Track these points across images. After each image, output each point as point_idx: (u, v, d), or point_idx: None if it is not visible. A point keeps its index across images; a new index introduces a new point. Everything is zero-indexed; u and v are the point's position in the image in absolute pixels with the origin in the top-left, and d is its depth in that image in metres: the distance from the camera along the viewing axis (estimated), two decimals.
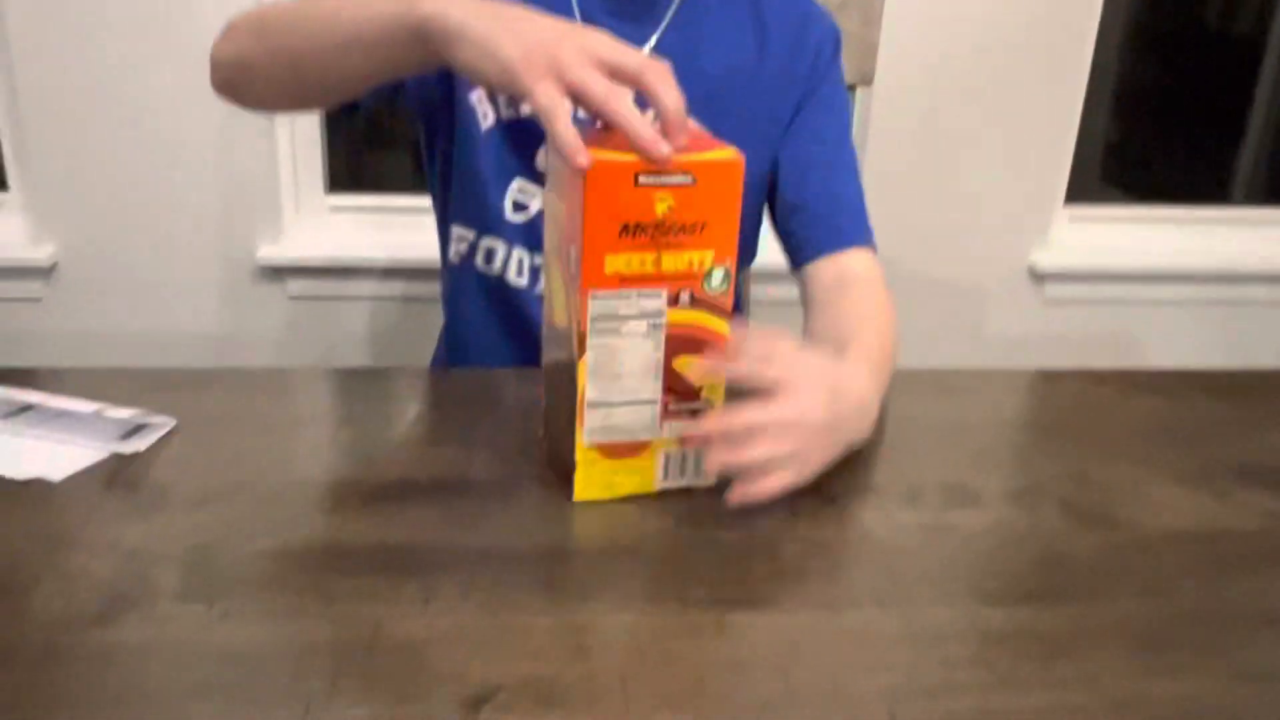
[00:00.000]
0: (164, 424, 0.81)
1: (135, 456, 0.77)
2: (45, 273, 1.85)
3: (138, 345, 1.89)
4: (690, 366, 0.72)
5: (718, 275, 0.70)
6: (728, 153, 0.68)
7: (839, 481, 0.78)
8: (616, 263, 0.68)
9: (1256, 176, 2.35)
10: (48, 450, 0.77)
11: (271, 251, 1.87)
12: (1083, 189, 2.07)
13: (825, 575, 0.68)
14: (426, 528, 0.71)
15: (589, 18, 1.01)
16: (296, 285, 1.90)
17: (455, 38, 0.71)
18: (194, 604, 0.62)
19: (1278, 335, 2.15)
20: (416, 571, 0.66)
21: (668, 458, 0.75)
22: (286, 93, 0.87)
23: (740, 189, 0.69)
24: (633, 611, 0.63)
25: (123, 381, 0.88)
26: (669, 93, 0.67)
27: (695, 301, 0.70)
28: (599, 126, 0.70)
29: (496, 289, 1.06)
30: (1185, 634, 0.64)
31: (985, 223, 1.99)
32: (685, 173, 0.67)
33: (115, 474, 0.75)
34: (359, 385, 0.94)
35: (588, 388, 0.71)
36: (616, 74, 0.68)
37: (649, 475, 0.75)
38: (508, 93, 0.71)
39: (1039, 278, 2.04)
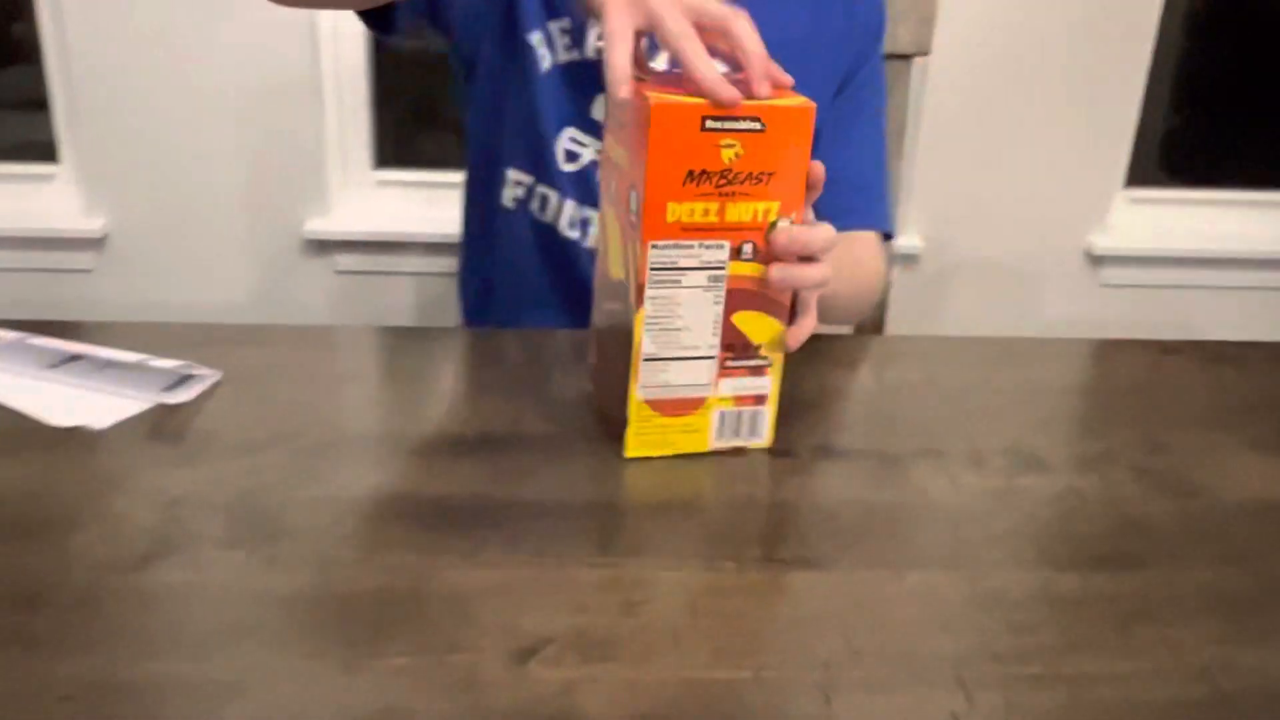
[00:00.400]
0: (210, 376, 0.79)
1: (180, 407, 0.76)
2: (97, 244, 1.86)
3: (186, 317, 1.89)
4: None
5: (783, 227, 0.67)
6: (799, 100, 0.65)
7: (898, 443, 0.76)
8: (679, 211, 0.65)
9: None
10: (92, 399, 0.76)
11: (319, 225, 1.86)
12: (1143, 176, 2.02)
13: (887, 537, 0.65)
14: (473, 482, 0.69)
15: None
16: (344, 260, 1.89)
17: None
18: (237, 550, 0.61)
19: None
20: (463, 525, 0.64)
21: (723, 416, 0.72)
22: None
23: (810, 138, 0.66)
24: (686, 568, 0.61)
25: (169, 335, 0.87)
26: (753, 42, 0.66)
27: (758, 254, 0.67)
28: (672, 74, 0.67)
29: (549, 237, 1.04)
30: (1269, 602, 0.60)
31: (1042, 204, 1.94)
32: (754, 118, 0.64)
33: (160, 423, 0.74)
34: (406, 343, 0.92)
35: (645, 341, 0.68)
36: (701, 20, 0.66)
37: (703, 434, 0.72)
38: (585, 7, 0.70)
39: (1096, 260, 1.99)
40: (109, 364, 0.80)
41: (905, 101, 1.31)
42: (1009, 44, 1.82)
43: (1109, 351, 0.97)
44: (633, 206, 0.66)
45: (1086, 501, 0.70)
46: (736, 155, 0.64)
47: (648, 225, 0.65)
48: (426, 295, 1.94)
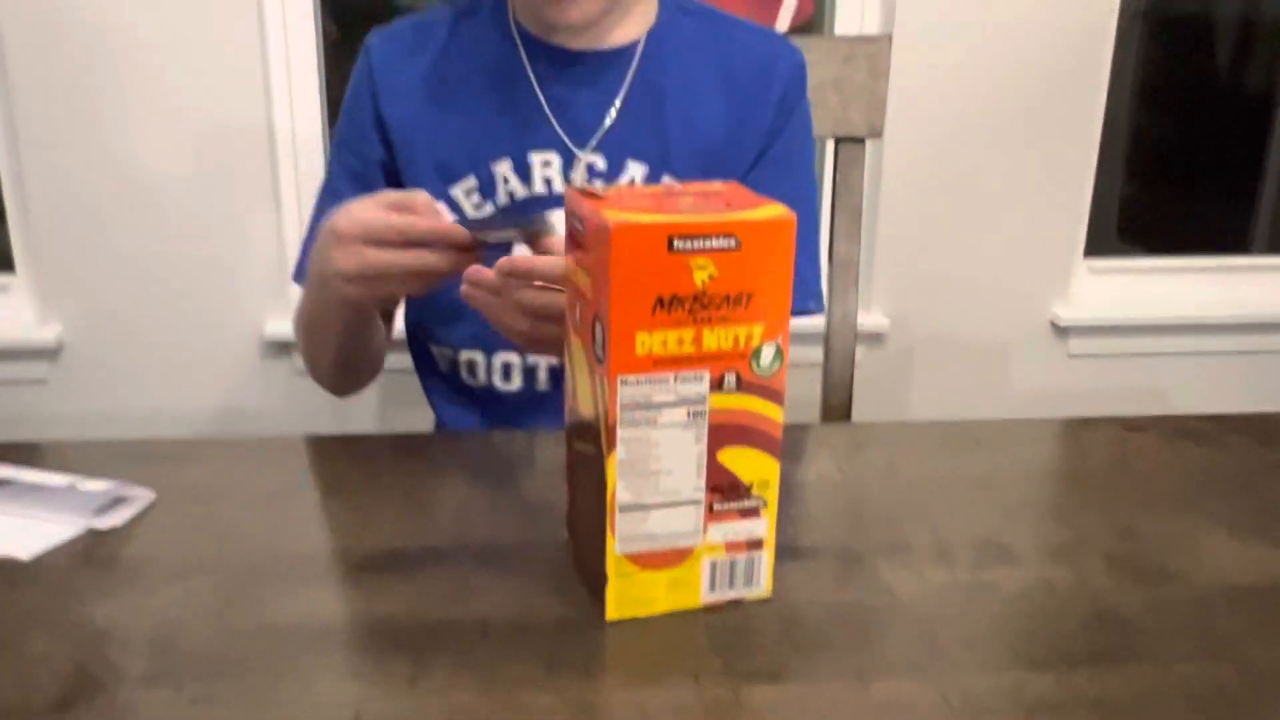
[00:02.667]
0: (142, 497, 0.76)
1: (111, 532, 0.72)
2: (51, 353, 1.82)
3: (145, 424, 1.86)
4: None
5: (768, 353, 0.61)
6: (776, 210, 0.59)
7: (863, 539, 0.73)
8: (650, 342, 0.58)
9: (1276, 225, 2.30)
10: (20, 527, 0.72)
11: (278, 326, 1.83)
12: (1100, 245, 2.03)
13: (853, 642, 0.62)
14: (416, 600, 0.65)
15: (546, 88, 0.99)
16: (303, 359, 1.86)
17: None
18: (162, 688, 0.57)
19: None
20: (404, 648, 0.60)
21: (714, 566, 0.65)
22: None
23: (792, 252, 0.59)
24: (643, 688, 0.58)
25: (102, 454, 0.84)
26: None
27: (742, 384, 0.61)
28: (607, 192, 0.63)
29: (485, 399, 1.04)
30: (1254, 697, 0.58)
31: (1004, 278, 1.94)
32: (728, 234, 0.58)
33: (89, 550, 0.70)
34: (346, 452, 0.89)
35: (619, 488, 0.61)
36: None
37: (694, 588, 0.64)
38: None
39: (1061, 331, 1.99)
40: (38, 488, 0.76)
41: (860, 184, 1.31)
42: (961, 122, 1.83)
43: (1073, 432, 0.95)
44: (598, 338, 0.60)
45: (1058, 594, 0.67)
46: (710, 277, 0.58)
47: (615, 359, 0.59)
48: (390, 390, 1.90)
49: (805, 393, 1.38)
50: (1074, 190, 1.93)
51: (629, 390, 0.60)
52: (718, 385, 0.61)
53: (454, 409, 1.08)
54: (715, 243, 0.58)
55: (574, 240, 0.64)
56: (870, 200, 1.87)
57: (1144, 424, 0.93)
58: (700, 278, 0.58)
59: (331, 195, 1.01)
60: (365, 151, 1.02)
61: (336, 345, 0.97)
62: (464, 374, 1.05)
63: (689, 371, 0.60)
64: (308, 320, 0.98)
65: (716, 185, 0.66)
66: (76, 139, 1.71)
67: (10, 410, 1.85)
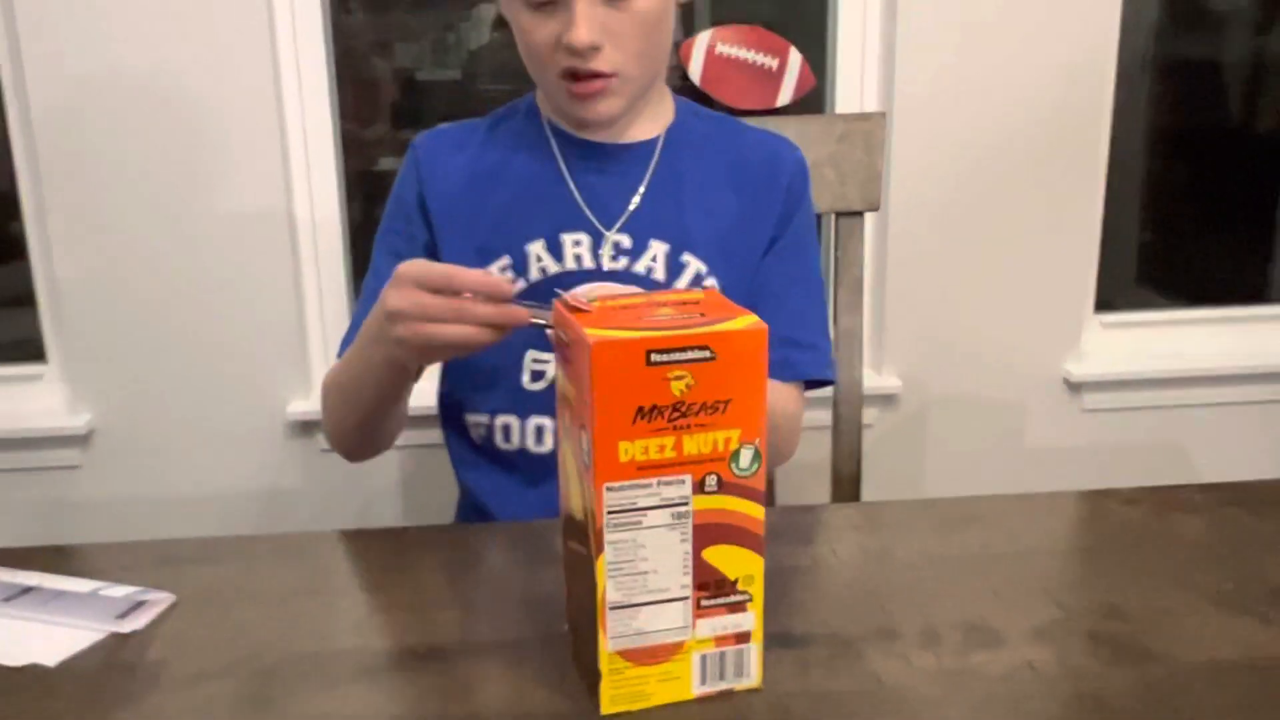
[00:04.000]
0: (163, 600, 0.80)
1: (133, 635, 0.76)
2: (82, 440, 1.87)
3: (173, 507, 1.90)
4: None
5: (746, 455, 0.64)
6: (748, 320, 0.63)
7: (853, 625, 0.75)
8: (632, 449, 0.62)
9: None
10: (45, 633, 0.76)
11: (301, 406, 1.88)
12: (1118, 291, 2.05)
13: None
14: (422, 698, 0.68)
15: (576, 176, 1.05)
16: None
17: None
18: None
19: None
20: None
21: (704, 660, 0.67)
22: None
23: (765, 360, 0.63)
24: None
25: (126, 556, 0.87)
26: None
27: (723, 485, 0.64)
28: (592, 306, 0.66)
29: (517, 461, 1.08)
30: None
31: (1015, 336, 1.96)
32: (703, 347, 0.61)
33: (112, 655, 0.74)
34: (358, 549, 0.92)
35: (608, 588, 0.64)
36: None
37: (685, 681, 0.67)
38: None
39: (1075, 387, 2.00)
40: (62, 595, 0.80)
41: (860, 256, 1.35)
42: (965, 185, 1.87)
43: (1067, 505, 0.97)
44: (584, 446, 0.63)
45: (1042, 677, 0.69)
46: (688, 386, 0.61)
47: (600, 467, 0.62)
48: (413, 468, 1.94)
49: (814, 456, 1.41)
50: (1081, 247, 1.95)
51: (614, 495, 0.63)
52: (699, 487, 0.64)
53: (484, 476, 1.12)
54: (691, 354, 0.61)
55: (561, 352, 0.67)
56: (879, 263, 1.90)
57: (1138, 496, 0.95)
58: (678, 387, 0.62)
59: (376, 276, 1.10)
60: (411, 233, 1.10)
61: (365, 409, 1.02)
62: (498, 438, 1.09)
63: (671, 475, 0.63)
64: (344, 380, 1.03)
65: (696, 294, 0.70)
66: (104, 232, 1.77)
67: (44, 496, 1.90)
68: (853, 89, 1.88)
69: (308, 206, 1.85)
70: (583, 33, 0.94)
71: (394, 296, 0.82)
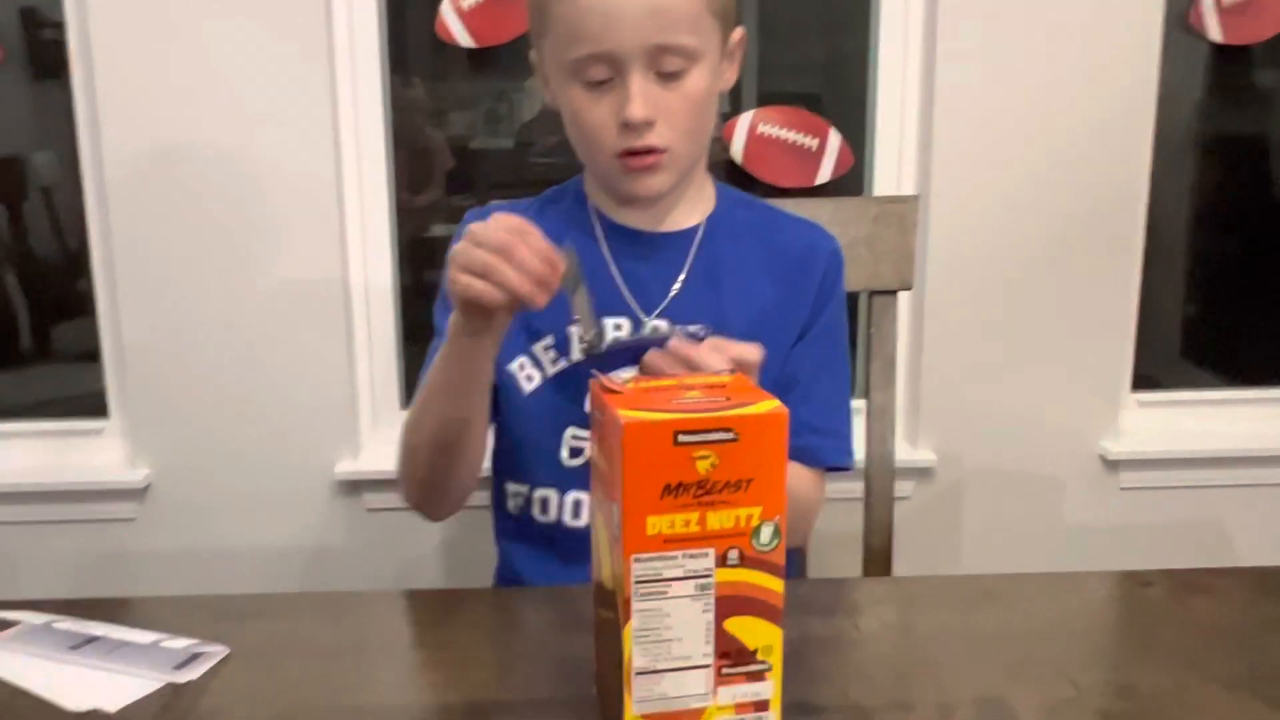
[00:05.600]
0: (218, 652, 0.84)
1: (188, 685, 0.81)
2: (139, 494, 1.94)
3: (223, 561, 1.96)
4: None
5: (766, 531, 0.68)
6: (770, 404, 0.68)
7: (870, 696, 0.78)
8: (660, 524, 0.66)
9: None
10: (107, 680, 0.81)
11: (349, 466, 1.94)
12: (1161, 366, 2.06)
13: None
14: None
15: (620, 263, 1.11)
16: (374, 498, 1.96)
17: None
18: None
19: None
20: None
21: None
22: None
23: (785, 442, 0.68)
24: None
25: (184, 608, 0.93)
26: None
27: (745, 560, 0.68)
28: (626, 387, 0.71)
29: (554, 534, 1.12)
30: None
31: (1051, 413, 1.98)
32: (727, 429, 0.66)
33: (168, 703, 0.79)
34: (402, 608, 0.97)
35: (634, 654, 0.69)
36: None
37: None
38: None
39: (1112, 465, 2.01)
40: (124, 644, 0.85)
41: (894, 333, 1.39)
42: (996, 267, 1.90)
43: (1085, 585, 0.99)
44: (614, 519, 0.67)
45: None
46: (713, 465, 0.66)
47: (629, 539, 0.66)
48: (456, 529, 1.99)
49: (847, 528, 1.43)
50: (1118, 325, 1.97)
51: (642, 567, 0.67)
52: (722, 561, 0.68)
53: (521, 547, 1.17)
54: (716, 436, 0.66)
55: (595, 428, 0.72)
56: (915, 337, 1.94)
57: (1154, 578, 0.97)
58: (703, 466, 0.66)
59: (439, 335, 1.12)
60: None
61: (442, 426, 1.03)
62: (536, 511, 1.13)
63: (696, 549, 0.68)
64: (421, 403, 1.05)
65: (725, 376, 0.75)
66: (169, 295, 1.85)
67: (101, 547, 1.97)
68: (890, 167, 1.93)
69: (362, 273, 1.92)
70: (638, 107, 1.00)
71: (461, 244, 0.89)
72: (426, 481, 1.09)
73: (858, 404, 1.25)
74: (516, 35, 1.87)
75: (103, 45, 1.77)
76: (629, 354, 0.92)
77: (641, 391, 0.71)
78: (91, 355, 1.97)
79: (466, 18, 1.85)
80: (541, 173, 2.14)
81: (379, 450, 1.98)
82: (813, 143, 1.93)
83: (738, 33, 1.09)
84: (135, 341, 1.88)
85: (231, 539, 1.96)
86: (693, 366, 0.87)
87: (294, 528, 1.97)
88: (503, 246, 0.87)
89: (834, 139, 1.92)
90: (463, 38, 1.86)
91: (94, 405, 1.99)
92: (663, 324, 1.10)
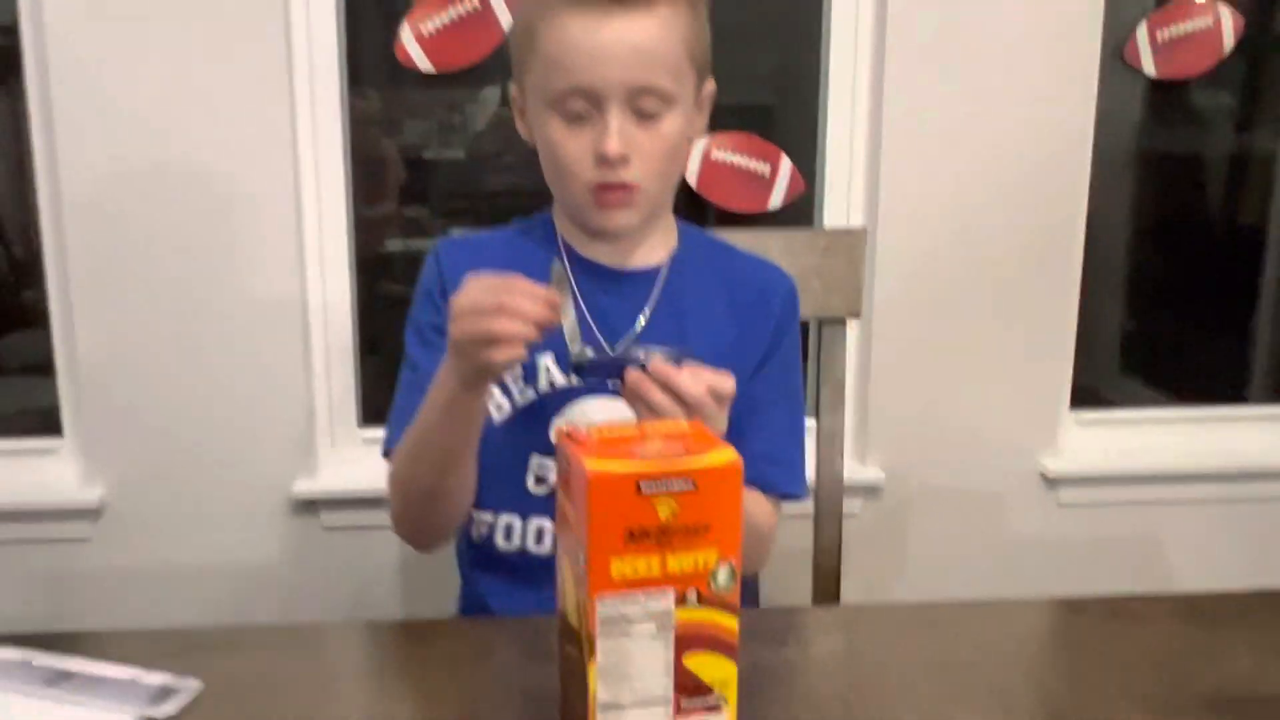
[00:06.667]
0: (191, 687, 0.87)
1: None
2: (94, 514, 1.94)
3: (180, 581, 1.95)
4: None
5: (723, 573, 0.72)
6: (727, 454, 0.72)
7: None
8: (623, 567, 0.71)
9: (1268, 373, 2.37)
10: (84, 717, 0.83)
11: (306, 485, 1.95)
12: (1103, 380, 2.12)
13: None
14: None
15: (587, 297, 1.14)
16: (330, 517, 1.98)
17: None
18: None
19: None
20: None
21: None
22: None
23: (740, 490, 0.72)
24: None
25: (154, 642, 0.95)
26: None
27: (703, 599, 0.73)
28: (589, 436, 0.75)
29: (517, 561, 1.15)
30: None
31: (993, 431, 2.04)
32: (686, 478, 0.71)
33: None
34: (373, 640, 1.00)
35: (599, 690, 0.73)
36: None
37: None
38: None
39: (1051, 482, 2.08)
40: (101, 680, 0.88)
41: (843, 360, 1.44)
42: (948, 282, 1.95)
43: (1024, 613, 1.05)
44: (580, 561, 0.72)
45: None
46: (673, 512, 0.70)
47: (593, 581, 0.71)
48: (412, 551, 2.00)
49: (798, 545, 1.48)
50: (1056, 345, 2.04)
51: (606, 607, 0.71)
52: (681, 601, 0.73)
53: (485, 573, 1.20)
54: (676, 484, 0.71)
55: (561, 477, 0.76)
56: (864, 358, 1.99)
57: (1085, 605, 1.02)
58: (664, 513, 0.71)
59: (411, 367, 1.19)
60: (438, 324, 1.16)
61: (435, 462, 1.07)
62: (499, 538, 1.16)
63: (657, 590, 0.72)
64: (414, 437, 1.08)
65: (684, 426, 0.79)
66: (125, 310, 1.84)
67: (53, 567, 1.96)
68: (840, 193, 1.98)
69: (320, 289, 1.92)
70: (615, 143, 1.04)
71: (460, 297, 0.94)
72: (420, 519, 1.14)
73: (809, 424, 1.30)
74: (475, 62, 1.89)
75: (58, 55, 1.76)
76: (612, 368, 0.96)
77: (605, 440, 0.75)
78: (42, 369, 1.95)
79: (426, 44, 1.88)
80: (495, 184, 2.17)
81: (337, 469, 1.99)
82: (765, 169, 1.97)
83: (709, 85, 1.14)
84: (90, 356, 1.87)
85: (188, 558, 1.96)
86: (673, 389, 0.91)
87: (251, 547, 1.97)
88: (501, 308, 0.91)
89: (785, 165, 1.97)
90: (422, 63, 1.89)
91: (47, 421, 1.98)
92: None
